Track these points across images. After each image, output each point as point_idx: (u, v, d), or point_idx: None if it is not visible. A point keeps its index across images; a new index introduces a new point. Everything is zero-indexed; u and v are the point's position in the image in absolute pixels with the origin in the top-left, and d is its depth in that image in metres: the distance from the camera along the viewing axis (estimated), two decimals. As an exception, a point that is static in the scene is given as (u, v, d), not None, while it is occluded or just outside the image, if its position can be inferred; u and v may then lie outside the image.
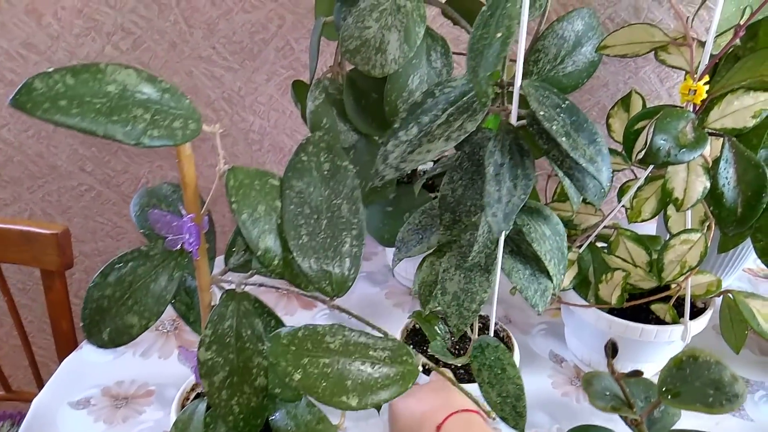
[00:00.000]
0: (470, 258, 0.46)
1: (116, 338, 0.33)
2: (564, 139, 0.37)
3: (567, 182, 0.42)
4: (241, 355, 0.32)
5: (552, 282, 0.47)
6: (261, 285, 0.36)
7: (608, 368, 0.33)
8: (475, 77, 0.34)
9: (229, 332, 0.32)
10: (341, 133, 0.59)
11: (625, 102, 0.59)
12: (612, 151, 0.59)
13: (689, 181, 0.45)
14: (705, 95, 0.45)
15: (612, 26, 0.74)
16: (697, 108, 0.46)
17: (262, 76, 0.78)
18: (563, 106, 0.38)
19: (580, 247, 0.56)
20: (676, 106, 0.48)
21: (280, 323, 0.36)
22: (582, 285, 0.56)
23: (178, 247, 0.33)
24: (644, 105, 0.58)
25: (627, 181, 0.56)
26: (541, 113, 0.37)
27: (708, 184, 0.45)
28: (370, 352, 0.30)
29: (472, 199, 0.43)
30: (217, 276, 0.37)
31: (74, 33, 0.73)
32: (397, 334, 0.58)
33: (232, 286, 0.36)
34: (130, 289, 0.33)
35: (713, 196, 0.46)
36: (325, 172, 0.34)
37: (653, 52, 0.49)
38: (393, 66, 0.52)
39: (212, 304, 0.37)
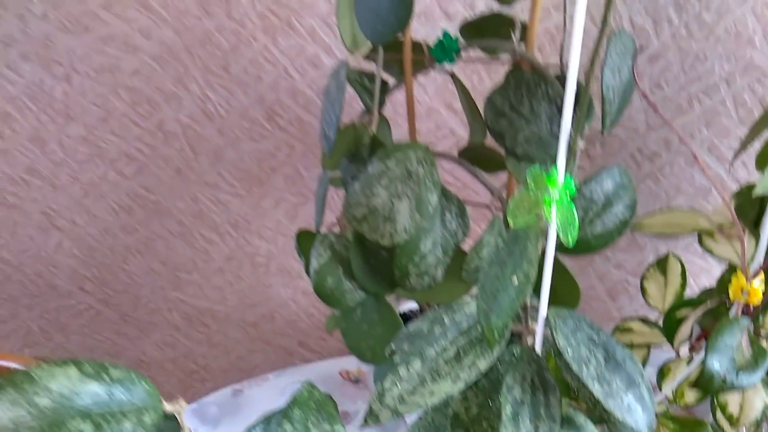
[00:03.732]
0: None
1: None
2: (597, 385, 0.31)
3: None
4: None
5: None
6: None
7: None
8: (486, 322, 0.29)
9: None
10: (347, 293, 0.54)
11: (661, 265, 0.53)
12: (647, 323, 0.52)
13: (746, 397, 0.39)
14: (761, 297, 0.39)
15: (640, 158, 0.69)
16: (751, 308, 0.40)
17: (269, 201, 0.75)
18: (597, 340, 0.32)
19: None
20: (724, 302, 0.42)
21: None
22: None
23: None
24: (683, 271, 0.52)
25: (667, 361, 0.50)
26: (570, 353, 0.31)
27: None
28: None
29: (489, 419, 0.37)
30: None
31: (78, 159, 0.70)
32: None
33: None
34: None
35: (774, 414, 0.39)
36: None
37: (696, 235, 0.44)
38: (403, 235, 0.47)
39: None
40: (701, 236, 0.43)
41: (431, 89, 0.65)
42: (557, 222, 0.28)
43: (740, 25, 0.59)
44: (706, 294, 0.55)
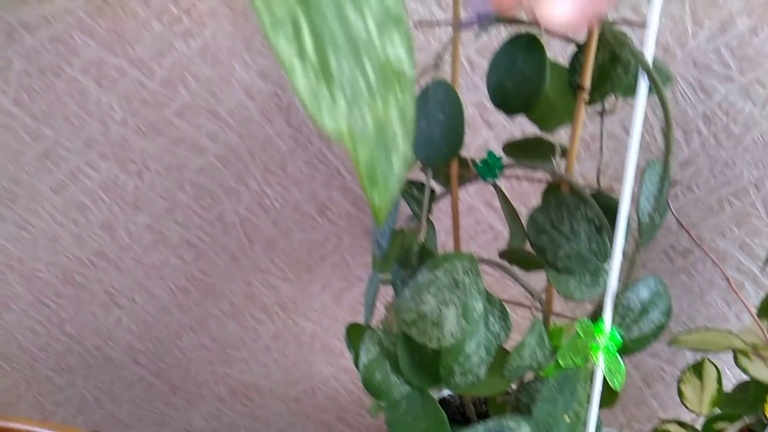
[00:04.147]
0: None
1: None
2: None
3: None
4: None
5: None
6: None
7: None
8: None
9: None
10: (393, 386, 0.58)
11: (697, 370, 0.55)
12: (684, 426, 0.54)
13: None
14: (793, 420, 0.41)
15: (673, 254, 0.72)
16: (785, 428, 0.42)
17: (317, 286, 0.79)
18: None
19: None
20: (761, 418, 0.44)
21: None
22: None
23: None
24: (719, 377, 0.54)
25: (704, 468, 0.51)
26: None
27: None
28: None
29: None
30: None
31: (143, 245, 0.76)
32: None
33: None
34: None
35: None
36: None
37: (732, 352, 0.46)
38: (450, 339, 0.51)
39: None
40: (736, 355, 0.45)
41: (472, 189, 0.70)
42: (604, 367, 0.31)
43: (767, 136, 0.63)
44: (742, 389, 0.57)
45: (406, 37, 0.14)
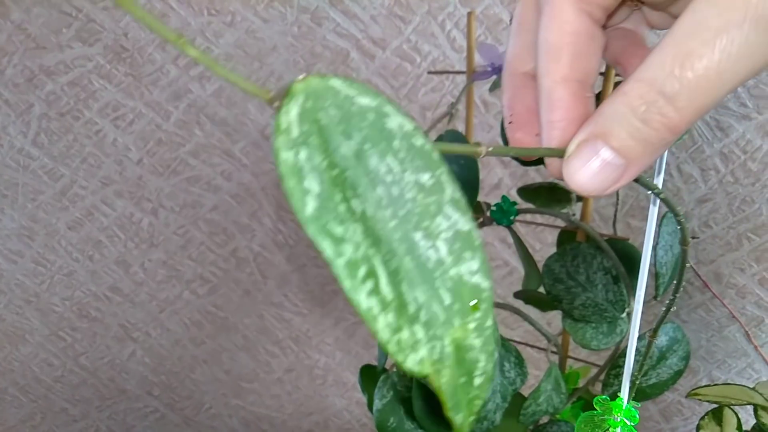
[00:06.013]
0: None
1: None
2: None
3: None
4: None
5: None
6: None
7: None
8: None
9: None
10: (409, 432, 0.57)
11: (717, 416, 0.54)
12: (706, 475, 0.53)
13: None
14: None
15: (691, 289, 0.71)
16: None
17: (330, 320, 0.79)
18: None
19: None
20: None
21: None
22: None
23: None
24: (739, 425, 0.53)
25: None
26: None
27: None
28: None
29: None
30: None
31: (157, 280, 0.77)
32: None
33: None
34: None
35: None
36: None
37: (752, 407, 0.45)
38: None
39: None
40: (756, 409, 0.44)
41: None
42: (622, 442, 0.31)
43: (785, 175, 0.62)
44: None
45: (478, 250, 0.14)
